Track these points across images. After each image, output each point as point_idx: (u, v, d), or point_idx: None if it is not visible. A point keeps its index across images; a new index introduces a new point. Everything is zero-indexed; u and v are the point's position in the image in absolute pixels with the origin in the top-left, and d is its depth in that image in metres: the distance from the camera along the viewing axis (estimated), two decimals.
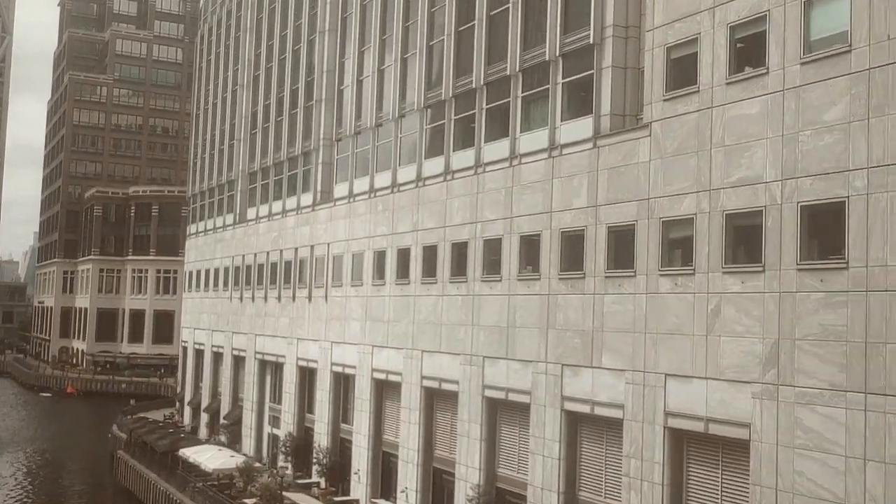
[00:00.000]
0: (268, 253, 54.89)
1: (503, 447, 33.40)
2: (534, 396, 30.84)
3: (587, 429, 29.31)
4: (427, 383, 37.36)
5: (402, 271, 39.51)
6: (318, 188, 49.14)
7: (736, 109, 24.06)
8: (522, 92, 32.88)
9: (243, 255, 59.04)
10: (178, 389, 75.02)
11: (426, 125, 39.19)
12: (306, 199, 50.51)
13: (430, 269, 37.44)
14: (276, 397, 53.74)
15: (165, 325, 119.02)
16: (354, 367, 43.34)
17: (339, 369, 45.18)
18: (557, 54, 30.95)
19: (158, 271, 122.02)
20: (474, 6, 35.70)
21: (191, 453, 48.12)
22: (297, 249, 50.78)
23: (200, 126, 72.00)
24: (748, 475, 23.10)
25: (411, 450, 38.05)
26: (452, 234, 36.03)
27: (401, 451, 38.93)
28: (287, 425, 50.70)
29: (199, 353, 68.42)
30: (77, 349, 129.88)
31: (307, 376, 49.49)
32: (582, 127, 29.64)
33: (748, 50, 24.20)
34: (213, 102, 68.82)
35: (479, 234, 34.38)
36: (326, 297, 46.74)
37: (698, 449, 25.19)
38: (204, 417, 64.84)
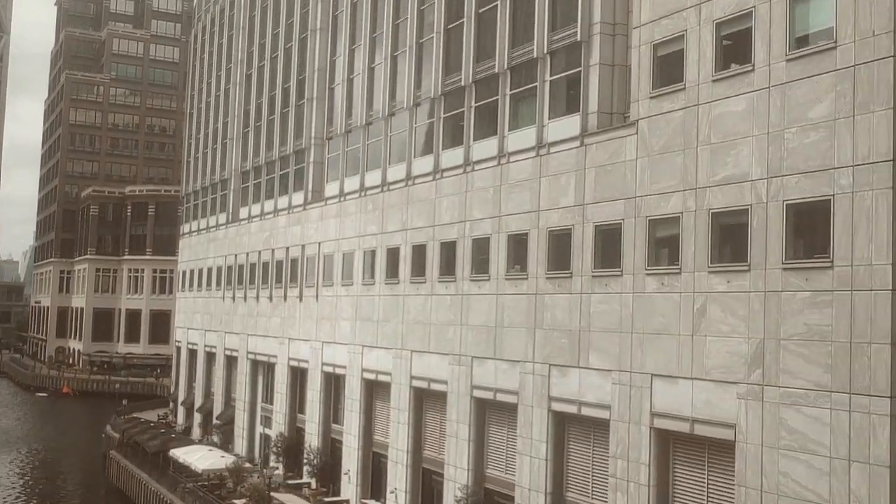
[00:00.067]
0: (259, 252, 54.68)
1: (491, 448, 33.17)
2: (521, 397, 30.61)
3: (574, 429, 29.09)
4: (416, 383, 37.14)
5: (392, 271, 39.29)
6: (310, 187, 48.92)
7: (722, 107, 23.83)
8: (511, 90, 32.66)
9: (236, 255, 58.84)
10: (172, 389, 74.81)
11: (416, 123, 38.97)
12: (298, 198, 50.29)
13: (419, 269, 37.22)
14: (268, 397, 53.54)
15: (162, 325, 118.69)
16: (345, 367, 43.13)
17: (330, 369, 44.96)
18: (545, 52, 30.72)
19: (155, 271, 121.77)
20: (463, 4, 35.49)
21: (181, 453, 47.90)
22: (288, 249, 50.56)
23: (194, 125, 71.79)
24: (734, 476, 22.88)
25: (401, 450, 37.82)
26: (441, 234, 35.81)
27: (390, 451, 38.71)
28: (278, 425, 50.50)
29: (192, 353, 68.23)
30: (73, 349, 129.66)
31: (298, 376, 49.28)
32: (569, 125, 29.41)
33: (734, 47, 23.97)
34: (206, 101, 68.60)
35: (467, 233, 34.16)
36: (317, 296, 46.53)
37: (684, 450, 24.96)
38: (197, 417, 64.63)
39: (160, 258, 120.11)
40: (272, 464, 49.28)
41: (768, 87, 22.54)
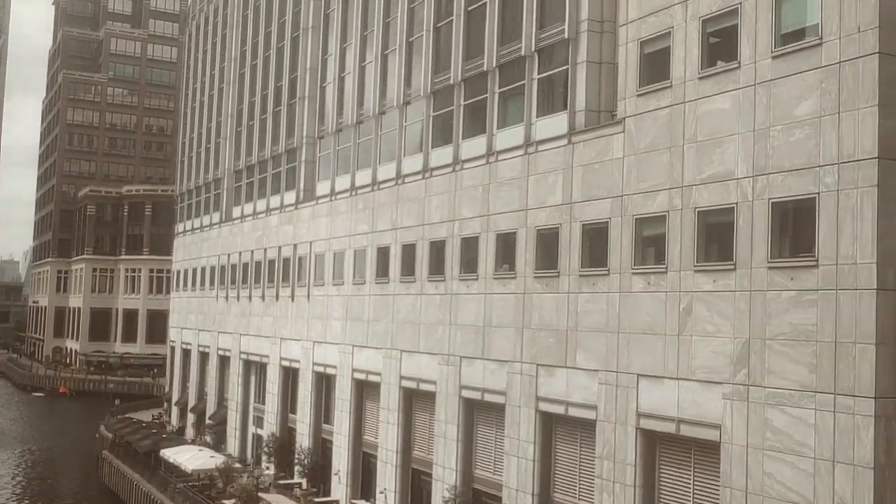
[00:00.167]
0: (252, 252, 54.47)
1: (480, 448, 32.95)
2: (509, 397, 30.39)
3: (561, 430, 28.86)
4: (406, 383, 36.92)
5: (382, 270, 39.08)
6: (302, 186, 48.72)
7: (708, 104, 23.61)
8: (499, 88, 32.44)
9: (229, 255, 58.63)
10: (166, 389, 74.63)
11: (406, 122, 38.75)
12: (290, 197, 50.09)
13: (408, 268, 37.00)
14: (261, 397, 53.33)
15: (159, 325, 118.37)
16: (335, 367, 42.91)
17: (321, 369, 44.75)
18: (533, 49, 30.50)
19: (152, 271, 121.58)
20: (452, 1, 35.27)
21: (171, 454, 47.68)
22: (280, 248, 50.36)
23: (188, 124, 71.59)
24: (719, 477, 22.64)
25: (390, 450, 37.60)
26: (431, 233, 35.59)
27: (380, 451, 38.49)
28: (270, 426, 50.29)
29: (186, 353, 68.04)
30: (70, 349, 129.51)
31: (290, 376, 49.06)
32: (557, 123, 29.20)
33: (720, 44, 23.77)
34: (200, 100, 68.41)
35: (456, 232, 33.94)
36: (308, 296, 46.32)
37: (670, 450, 24.73)
38: (191, 418, 64.44)
39: (157, 258, 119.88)
40: (264, 464, 49.09)
41: (754, 85, 22.32)
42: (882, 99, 19.51)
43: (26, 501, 56.76)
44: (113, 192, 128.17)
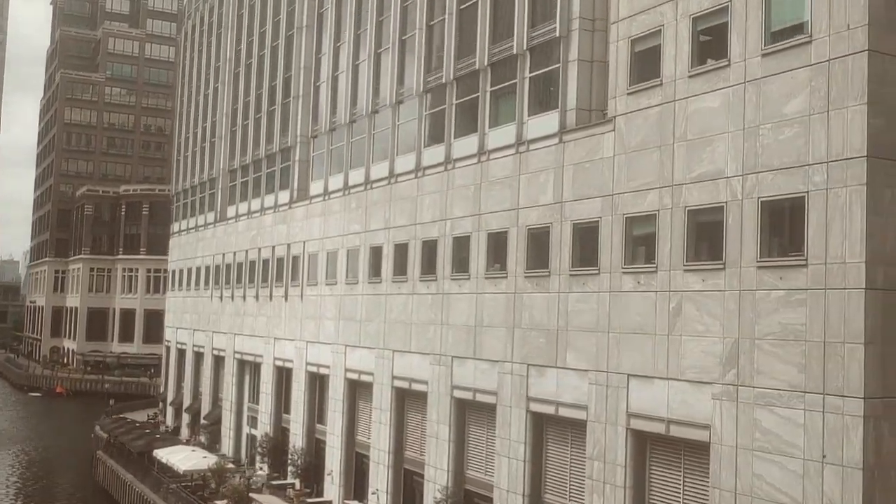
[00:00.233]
0: (246, 251, 54.32)
1: (471, 449, 32.80)
2: (500, 397, 30.24)
3: (552, 430, 28.71)
4: (398, 383, 36.77)
5: (375, 270, 38.93)
6: (295, 186, 48.58)
7: (698, 103, 23.46)
8: (491, 86, 32.28)
9: (223, 254, 58.49)
10: (162, 389, 74.48)
11: (398, 121, 38.60)
12: (283, 196, 49.95)
13: (401, 268, 36.86)
14: (255, 397, 53.19)
15: (156, 325, 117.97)
16: (328, 366, 42.77)
17: (314, 369, 44.61)
18: (525, 48, 30.35)
19: (149, 270, 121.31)
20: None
21: (164, 454, 47.53)
22: (274, 248, 50.22)
23: (184, 123, 71.45)
24: (709, 478, 22.48)
25: (382, 451, 37.45)
26: (423, 232, 35.44)
27: (372, 452, 38.34)
28: (264, 426, 50.15)
29: (181, 353, 67.90)
30: (68, 349, 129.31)
31: (284, 376, 48.92)
32: (548, 122, 29.05)
33: (710, 42, 23.62)
34: (195, 99, 68.26)
35: (448, 231, 33.79)
36: (302, 296, 46.17)
37: (660, 451, 24.58)
38: (185, 418, 64.28)
39: (154, 258, 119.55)
40: (258, 464, 48.94)
41: (744, 83, 22.18)
42: (871, 97, 19.37)
43: (21, 502, 56.60)
44: (110, 192, 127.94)
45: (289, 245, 48.24)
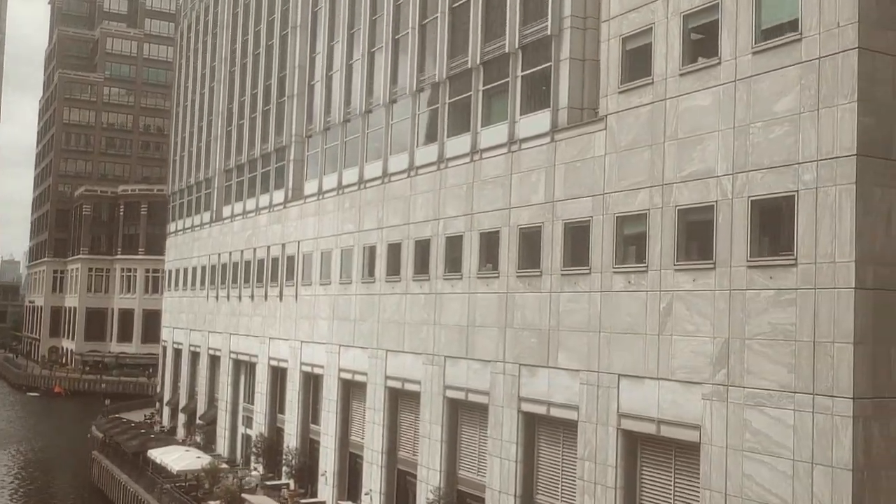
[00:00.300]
0: (242, 251, 54.19)
1: (464, 449, 32.65)
2: (492, 397, 30.09)
3: (544, 431, 28.56)
4: (391, 383, 36.64)
5: (369, 269, 38.79)
6: (290, 185, 48.45)
7: (689, 101, 23.31)
8: (483, 85, 32.14)
9: (219, 254, 58.36)
10: (158, 389, 74.38)
11: (391, 120, 38.46)
12: (278, 196, 49.82)
13: (394, 267, 36.71)
14: (250, 397, 53.06)
15: (154, 325, 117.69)
16: (322, 366, 42.63)
17: (309, 369, 44.47)
18: (517, 46, 30.20)
19: (147, 270, 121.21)
20: None
21: (158, 454, 47.38)
22: (269, 248, 50.09)
23: (180, 123, 71.32)
24: (699, 478, 22.33)
25: (376, 451, 37.32)
26: (416, 232, 35.30)
27: (366, 452, 38.20)
28: (259, 426, 50.02)
29: (177, 353, 67.79)
30: (66, 349, 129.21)
31: (278, 376, 48.78)
32: (540, 121, 28.90)
33: (701, 40, 23.48)
34: (191, 99, 68.13)
35: (441, 231, 33.65)
36: (296, 295, 46.03)
37: (651, 451, 24.43)
38: (182, 418, 64.17)
39: (153, 258, 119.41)
40: (253, 465, 48.81)
41: (734, 81, 22.03)
42: (861, 95, 19.22)
43: (17, 502, 56.47)
44: (108, 192, 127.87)
45: (283, 245, 48.11)
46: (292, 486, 43.13)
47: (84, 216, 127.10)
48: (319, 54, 46.16)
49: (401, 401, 36.69)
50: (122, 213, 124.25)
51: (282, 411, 48.07)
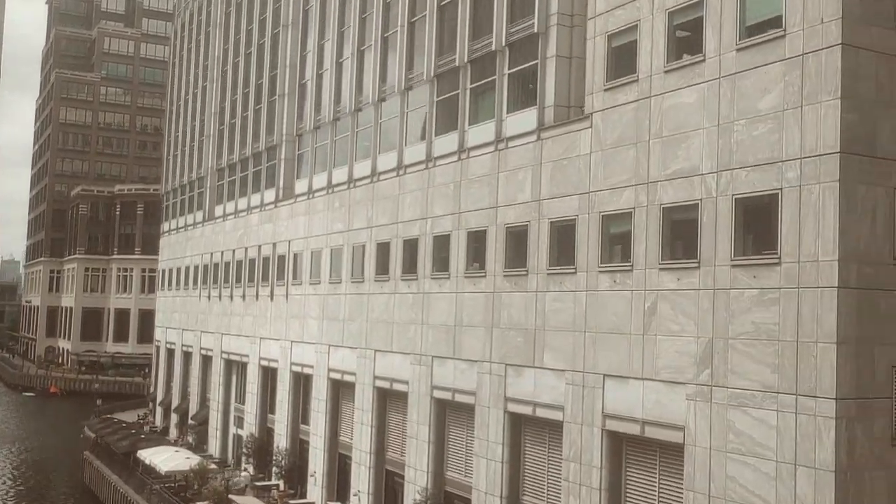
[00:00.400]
0: (234, 251, 53.96)
1: (451, 450, 32.41)
2: (478, 397, 29.86)
3: (530, 431, 28.33)
4: (379, 383, 36.40)
5: (358, 269, 38.55)
6: (281, 184, 48.22)
7: (674, 98, 23.08)
8: (471, 83, 31.91)
9: (211, 254, 58.14)
10: (151, 389, 74.16)
11: (381, 119, 38.23)
12: (269, 195, 49.59)
13: (383, 267, 36.48)
14: (241, 398, 52.80)
15: (150, 325, 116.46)
16: (312, 366, 42.39)
17: (298, 369, 44.23)
18: (504, 44, 29.96)
19: (143, 270, 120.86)
20: None
21: (148, 454, 47.14)
22: (260, 247, 49.86)
23: (174, 122, 71.11)
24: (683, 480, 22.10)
25: (364, 452, 37.08)
26: (404, 231, 35.07)
27: (354, 452, 37.97)
28: (250, 426, 49.78)
29: (170, 353, 67.56)
30: (63, 348, 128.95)
31: (269, 376, 48.54)
32: (526, 119, 28.66)
33: (686, 37, 23.25)
34: (185, 98, 67.91)
35: (429, 230, 33.41)
36: (287, 295, 45.80)
37: (636, 452, 24.19)
38: (174, 418, 63.92)
39: (149, 257, 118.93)
40: (244, 465, 48.57)
41: (718, 78, 21.80)
42: (844, 91, 18.99)
43: (9, 503, 56.21)
44: (105, 192, 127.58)
45: (274, 244, 47.88)
46: (282, 487, 42.92)
47: (80, 216, 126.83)
48: (310, 53, 45.94)
49: (389, 401, 36.46)
50: (118, 213, 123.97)
51: (272, 412, 47.83)
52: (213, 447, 54.92)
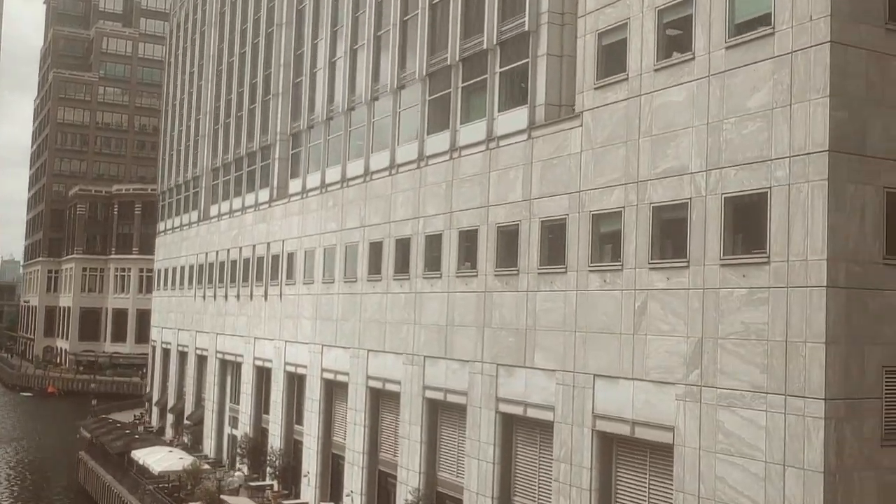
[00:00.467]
0: (228, 251, 53.84)
1: (443, 450, 32.28)
2: (470, 397, 29.72)
3: (521, 431, 28.18)
4: (372, 383, 36.27)
5: (351, 268, 38.41)
6: (275, 184, 48.09)
7: (663, 97, 22.94)
8: (462, 82, 31.77)
9: (206, 253, 58.01)
10: (147, 389, 74.05)
11: (373, 118, 38.09)
12: (264, 195, 49.47)
13: (375, 266, 36.35)
14: (236, 398, 52.70)
15: (148, 325, 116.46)
16: (306, 366, 42.27)
17: (292, 369, 44.10)
18: (495, 42, 29.83)
19: (141, 270, 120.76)
20: None
21: (141, 455, 46.98)
22: (254, 247, 49.72)
23: (170, 121, 70.98)
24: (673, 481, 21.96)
25: (357, 452, 36.95)
26: (397, 230, 34.94)
27: (347, 453, 37.84)
28: (244, 426, 49.66)
29: (166, 353, 67.43)
30: (60, 348, 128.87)
31: (263, 376, 48.42)
32: (518, 118, 28.52)
33: (676, 35, 23.09)
34: (180, 98, 67.79)
35: (421, 229, 33.28)
36: (281, 295, 45.67)
37: (627, 453, 24.05)
38: (170, 418, 63.80)
39: (147, 257, 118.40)
40: (238, 465, 48.44)
41: (708, 76, 21.65)
42: (833, 89, 18.84)
43: (4, 503, 56.10)
44: (103, 192, 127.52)
45: (268, 244, 47.75)
46: (276, 487, 42.81)
47: (78, 216, 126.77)
48: (304, 52, 45.80)
49: (382, 401, 36.33)
50: (116, 213, 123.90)
51: (266, 412, 47.71)
52: (209, 447, 54.80)
